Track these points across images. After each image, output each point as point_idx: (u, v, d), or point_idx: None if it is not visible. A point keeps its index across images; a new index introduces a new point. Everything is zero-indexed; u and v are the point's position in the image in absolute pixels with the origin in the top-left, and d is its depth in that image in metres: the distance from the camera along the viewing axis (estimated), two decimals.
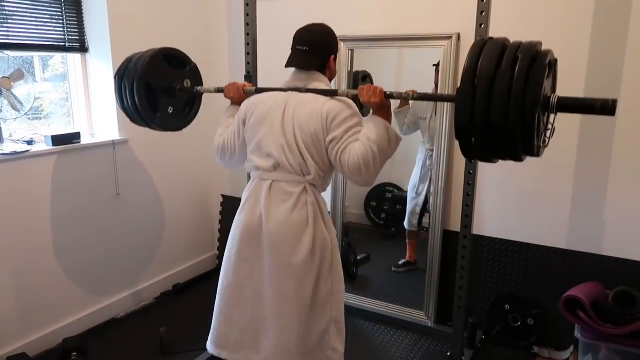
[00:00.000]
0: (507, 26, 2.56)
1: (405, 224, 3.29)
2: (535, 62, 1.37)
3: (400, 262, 3.42)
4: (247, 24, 2.64)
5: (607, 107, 1.37)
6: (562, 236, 2.66)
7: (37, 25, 2.71)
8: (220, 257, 3.82)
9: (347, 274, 3.37)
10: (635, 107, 2.40)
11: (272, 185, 1.84)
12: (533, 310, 2.71)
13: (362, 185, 1.81)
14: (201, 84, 2.39)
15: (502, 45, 1.45)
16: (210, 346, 2.01)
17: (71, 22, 2.87)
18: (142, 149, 3.15)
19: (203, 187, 3.71)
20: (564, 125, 2.54)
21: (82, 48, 2.95)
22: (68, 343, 2.65)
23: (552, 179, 2.64)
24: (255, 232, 1.86)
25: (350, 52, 3.04)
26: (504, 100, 1.36)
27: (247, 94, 2.03)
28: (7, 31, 2.58)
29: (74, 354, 2.59)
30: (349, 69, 3.06)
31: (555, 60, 1.50)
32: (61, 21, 2.83)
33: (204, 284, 3.62)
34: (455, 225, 2.82)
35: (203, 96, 2.46)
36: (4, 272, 2.52)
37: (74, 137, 2.77)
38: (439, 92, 2.80)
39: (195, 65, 2.36)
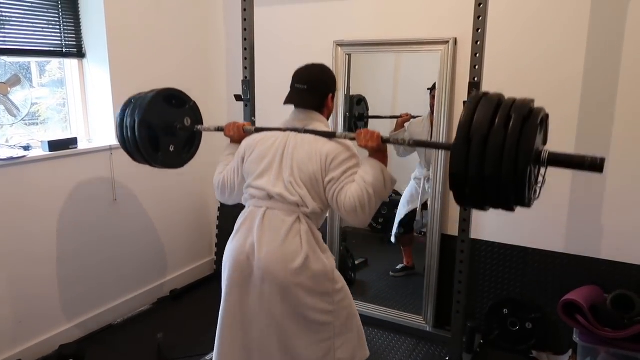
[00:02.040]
0: (504, 30, 2.58)
1: (392, 239, 3.31)
2: (527, 121, 1.43)
3: (398, 267, 3.42)
4: (245, 29, 2.64)
5: (595, 165, 1.44)
6: (560, 240, 2.66)
7: (34, 31, 2.71)
8: (217, 263, 3.82)
9: (345, 279, 3.37)
10: (632, 110, 2.41)
11: (266, 213, 1.85)
12: (531, 314, 2.71)
13: (357, 225, 1.84)
14: (201, 120, 2.42)
15: (497, 102, 1.51)
16: None
17: (68, 28, 2.87)
18: None
19: (201, 192, 3.70)
20: (562, 128, 2.56)
21: (79, 53, 2.95)
22: (64, 349, 2.64)
23: (550, 182, 2.63)
24: (246, 260, 1.84)
25: (347, 56, 3.05)
26: (497, 156, 1.42)
27: (247, 133, 2.08)
28: (4, 36, 2.58)
29: None
30: (346, 73, 3.07)
31: (547, 116, 1.55)
32: (58, 26, 2.83)
33: (201, 289, 3.61)
34: (453, 230, 2.81)
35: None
36: (0, 278, 2.51)
37: (71, 143, 2.77)
38: (435, 100, 2.81)
39: (194, 103, 2.39)
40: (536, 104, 2.68)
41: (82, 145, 2.87)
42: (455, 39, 2.71)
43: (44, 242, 2.68)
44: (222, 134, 2.19)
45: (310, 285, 1.80)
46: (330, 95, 1.97)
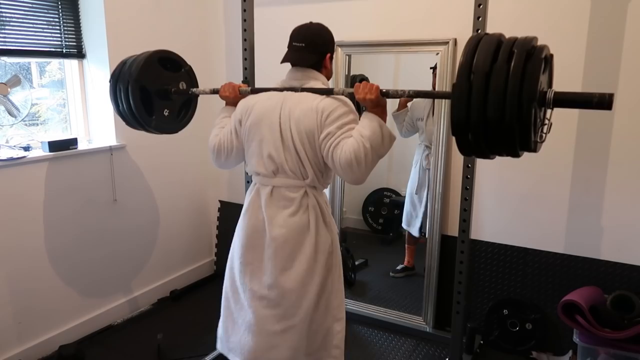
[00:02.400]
0: (504, 31, 2.57)
1: (403, 224, 3.28)
2: (531, 57, 1.37)
3: (398, 268, 3.41)
4: (245, 30, 2.65)
5: (604, 101, 1.36)
6: (559, 240, 2.66)
7: (34, 31, 2.71)
8: (217, 263, 3.82)
9: (345, 280, 3.37)
10: (632, 111, 2.41)
11: (273, 192, 1.85)
12: (531, 315, 2.71)
13: (353, 183, 1.77)
14: (196, 86, 2.39)
15: (498, 40, 1.45)
16: (219, 344, 2.06)
17: (68, 28, 2.88)
18: (139, 155, 3.14)
19: (200, 193, 3.70)
20: (561, 129, 2.56)
21: (79, 54, 2.95)
22: (64, 350, 2.64)
23: (550, 183, 2.64)
24: (258, 238, 1.88)
25: (347, 57, 3.05)
26: (500, 94, 1.35)
27: (243, 94, 2.03)
28: (4, 37, 2.58)
29: None
30: (346, 74, 3.07)
31: (551, 56, 1.49)
32: (58, 27, 2.83)
33: (201, 290, 3.61)
34: (453, 230, 2.81)
35: (199, 99, 2.47)
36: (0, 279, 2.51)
37: (71, 143, 2.77)
38: (435, 101, 2.81)
39: (190, 68, 2.36)
40: None
41: (82, 146, 2.87)
42: (455, 39, 2.71)
43: (43, 243, 2.68)
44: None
45: (315, 262, 1.82)
46: (329, 55, 1.92)
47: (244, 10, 2.63)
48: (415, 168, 3.16)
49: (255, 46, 2.72)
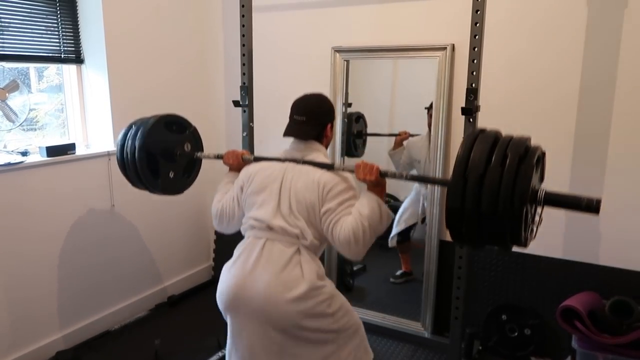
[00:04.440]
0: (501, 36, 2.59)
1: (389, 243, 3.26)
2: (524, 160, 1.44)
3: (398, 273, 3.41)
4: (243, 35, 2.65)
5: (591, 206, 1.45)
6: (558, 246, 2.66)
7: (32, 37, 2.72)
8: (215, 269, 3.81)
9: (343, 285, 3.38)
10: (630, 115, 2.41)
11: (266, 244, 1.83)
12: (530, 320, 2.71)
13: (351, 258, 1.85)
14: (201, 145, 2.42)
15: (493, 139, 1.52)
16: None
17: (67, 34, 2.88)
18: None
19: (198, 198, 3.70)
20: (560, 133, 2.57)
21: (78, 59, 2.96)
22: (61, 356, 2.63)
23: (547, 187, 2.64)
24: (242, 291, 1.81)
25: (345, 62, 3.05)
26: (494, 195, 1.43)
27: (246, 162, 2.09)
28: (3, 42, 2.58)
29: None
30: (344, 79, 3.07)
31: (543, 154, 1.57)
32: (57, 32, 2.83)
33: (199, 295, 3.60)
34: None
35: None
36: None
37: (69, 148, 2.76)
38: (433, 106, 2.82)
39: (194, 129, 2.39)
40: (533, 111, 2.69)
41: (80, 151, 2.87)
42: (453, 45, 2.72)
43: (41, 249, 2.67)
44: (221, 153, 2.19)
45: (311, 312, 1.77)
46: (329, 125, 1.99)
47: (242, 16, 2.63)
48: (413, 194, 3.20)
49: (254, 52, 2.72)
